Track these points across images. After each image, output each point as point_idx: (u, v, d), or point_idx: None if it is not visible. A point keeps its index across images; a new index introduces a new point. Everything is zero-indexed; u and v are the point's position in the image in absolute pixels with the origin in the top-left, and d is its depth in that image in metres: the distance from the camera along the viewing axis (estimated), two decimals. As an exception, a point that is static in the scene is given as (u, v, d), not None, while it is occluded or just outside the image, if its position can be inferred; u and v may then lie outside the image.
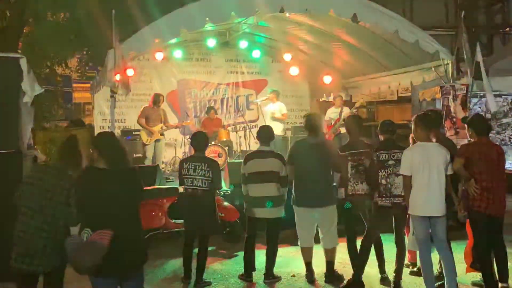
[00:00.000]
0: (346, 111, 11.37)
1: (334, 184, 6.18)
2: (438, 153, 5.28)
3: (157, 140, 10.58)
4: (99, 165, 3.85)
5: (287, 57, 12.68)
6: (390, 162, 5.72)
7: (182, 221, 6.53)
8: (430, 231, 5.35)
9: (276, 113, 11.51)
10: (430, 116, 5.65)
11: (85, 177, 3.93)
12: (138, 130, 10.76)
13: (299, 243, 6.13)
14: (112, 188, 3.82)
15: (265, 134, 6.32)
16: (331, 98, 12.02)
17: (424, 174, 5.20)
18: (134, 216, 3.93)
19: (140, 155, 10.61)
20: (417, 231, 5.37)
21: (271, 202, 5.98)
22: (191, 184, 5.91)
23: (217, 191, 6.70)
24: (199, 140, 6.15)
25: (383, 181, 5.70)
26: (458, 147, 5.76)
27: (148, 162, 10.34)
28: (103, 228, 3.66)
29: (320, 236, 6.09)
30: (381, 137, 5.98)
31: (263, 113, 12.07)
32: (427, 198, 5.21)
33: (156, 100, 10.66)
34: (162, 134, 10.69)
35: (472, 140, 5.59)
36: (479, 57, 7.79)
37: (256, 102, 12.78)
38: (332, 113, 11.67)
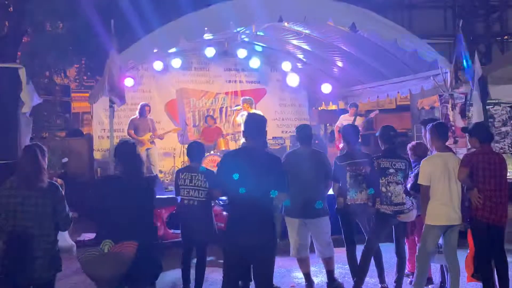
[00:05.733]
0: (359, 120, 11.36)
1: (332, 193, 6.16)
2: (455, 161, 5.34)
3: (148, 149, 10.71)
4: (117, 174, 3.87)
5: (286, 66, 12.69)
6: (391, 171, 5.72)
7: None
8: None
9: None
10: (446, 126, 5.66)
11: (102, 186, 3.89)
12: (137, 140, 10.77)
13: (291, 254, 6.06)
14: (129, 197, 3.78)
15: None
16: (330, 107, 11.96)
17: (445, 184, 5.24)
18: (150, 225, 3.92)
19: None
20: (431, 242, 5.36)
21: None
22: (187, 195, 5.84)
23: (216, 200, 6.65)
24: (194, 151, 6.09)
25: (383, 189, 5.70)
26: (459, 156, 5.75)
27: None
28: (121, 238, 3.58)
29: (315, 246, 6.03)
30: (382, 146, 5.98)
31: (234, 122, 12.00)
32: (449, 207, 5.25)
33: (142, 110, 10.86)
34: (152, 143, 10.82)
35: (473, 149, 5.58)
36: (477, 66, 7.79)
37: (232, 110, 12.66)
38: (344, 121, 11.65)
